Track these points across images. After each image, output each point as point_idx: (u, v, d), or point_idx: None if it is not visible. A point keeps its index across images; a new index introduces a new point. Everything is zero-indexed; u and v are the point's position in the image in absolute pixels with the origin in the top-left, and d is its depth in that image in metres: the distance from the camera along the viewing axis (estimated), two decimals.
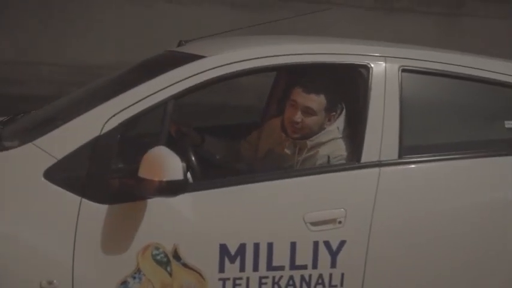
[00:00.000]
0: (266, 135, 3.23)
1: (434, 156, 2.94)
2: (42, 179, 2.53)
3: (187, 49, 3.16)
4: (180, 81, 2.71)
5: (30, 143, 2.58)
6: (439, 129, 3.03)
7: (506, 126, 3.08)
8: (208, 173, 2.95)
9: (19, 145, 2.60)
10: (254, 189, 2.74)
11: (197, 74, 2.73)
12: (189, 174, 2.81)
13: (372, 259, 2.82)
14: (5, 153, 2.59)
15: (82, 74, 7.26)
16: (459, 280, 2.91)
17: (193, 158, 2.92)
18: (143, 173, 2.49)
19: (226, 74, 2.76)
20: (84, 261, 2.55)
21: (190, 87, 2.72)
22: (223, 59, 2.79)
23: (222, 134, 3.51)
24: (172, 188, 2.48)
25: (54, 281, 2.51)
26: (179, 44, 3.36)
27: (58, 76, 7.75)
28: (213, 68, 2.75)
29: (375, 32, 7.06)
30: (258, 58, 2.81)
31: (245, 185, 2.74)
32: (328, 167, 2.89)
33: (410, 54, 3.03)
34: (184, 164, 2.49)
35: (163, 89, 2.69)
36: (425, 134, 3.01)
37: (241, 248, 2.69)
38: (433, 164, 2.93)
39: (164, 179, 2.46)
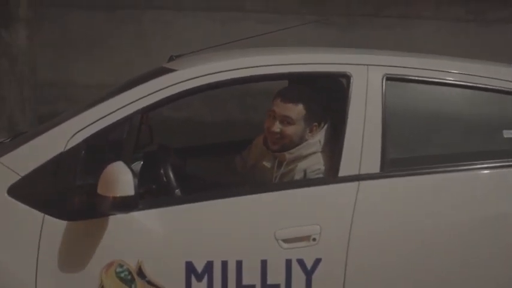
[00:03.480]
0: (253, 149, 3.14)
1: (420, 169, 2.76)
2: (6, 195, 2.55)
3: (174, 64, 3.13)
4: (146, 96, 2.67)
5: None
6: (427, 141, 2.85)
7: (505, 135, 2.85)
8: (190, 188, 2.90)
9: None
10: (222, 205, 2.65)
11: (163, 88, 2.69)
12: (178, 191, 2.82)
13: (351, 279, 2.67)
14: None
15: None
16: None
17: (170, 174, 2.87)
18: (100, 189, 2.47)
19: (194, 87, 2.71)
20: (48, 278, 2.53)
21: (156, 101, 2.68)
22: (190, 73, 2.74)
23: (216, 152, 3.46)
24: (124, 204, 2.43)
25: None
26: (170, 59, 3.33)
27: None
28: (180, 82, 2.70)
29: (468, 44, 6.75)
30: (226, 71, 2.74)
31: (212, 201, 2.66)
32: (302, 182, 2.77)
33: (394, 62, 2.87)
34: (136, 180, 2.45)
35: (128, 104, 2.66)
36: (412, 146, 2.83)
37: (209, 266, 2.60)
38: (418, 177, 2.74)
39: (117, 195, 2.42)
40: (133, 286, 2.58)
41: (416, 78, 2.83)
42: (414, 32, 7.14)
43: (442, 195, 2.72)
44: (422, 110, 2.87)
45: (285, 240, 2.63)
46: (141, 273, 2.58)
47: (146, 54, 6.42)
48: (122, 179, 2.43)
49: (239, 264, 2.62)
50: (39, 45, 5.77)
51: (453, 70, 2.87)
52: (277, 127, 2.87)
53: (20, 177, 2.56)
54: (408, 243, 2.68)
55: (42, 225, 2.53)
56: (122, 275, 2.57)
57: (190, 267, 2.59)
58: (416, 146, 2.83)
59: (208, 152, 3.67)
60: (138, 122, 3.37)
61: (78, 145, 2.59)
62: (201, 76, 2.70)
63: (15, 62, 5.40)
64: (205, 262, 2.60)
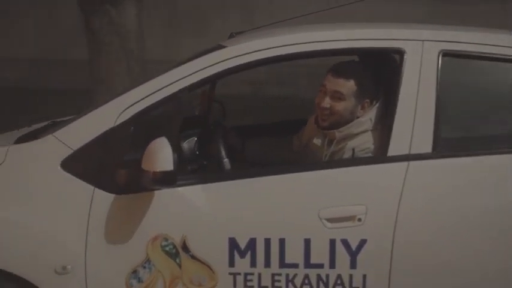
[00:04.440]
0: (307, 127, 3.10)
1: (475, 150, 2.62)
2: (59, 168, 2.65)
3: (229, 42, 3.13)
4: (192, 74, 2.69)
5: (50, 135, 2.72)
6: (484, 120, 2.70)
7: None
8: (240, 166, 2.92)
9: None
10: (266, 182, 2.64)
11: (208, 66, 2.69)
12: (227, 161, 2.85)
13: (398, 262, 2.59)
14: (30, 143, 2.76)
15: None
16: (490, 285, 2.57)
17: (221, 152, 2.89)
18: (143, 164, 2.52)
19: (242, 64, 2.70)
20: (97, 248, 2.63)
21: (202, 79, 2.69)
22: (239, 50, 2.73)
23: (279, 131, 3.44)
24: (163, 179, 2.47)
25: (68, 267, 2.62)
26: (230, 36, 3.33)
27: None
28: (228, 59, 2.70)
29: None
30: (276, 47, 2.71)
31: (256, 178, 2.65)
32: (348, 161, 2.71)
33: (452, 37, 2.72)
34: (176, 156, 2.48)
35: (175, 82, 2.69)
36: (468, 126, 2.70)
37: (251, 243, 2.61)
38: (472, 158, 2.61)
39: (157, 170, 2.47)
40: (178, 260, 2.63)
41: (475, 54, 2.68)
42: None
43: (497, 178, 2.58)
44: (480, 88, 2.72)
45: (329, 220, 2.59)
46: (185, 247, 2.62)
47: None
48: (161, 154, 2.46)
49: (282, 242, 2.60)
50: (147, 23, 5.88)
51: None
52: (327, 102, 2.81)
53: (72, 151, 2.66)
54: (459, 228, 2.56)
55: (92, 198, 2.62)
56: (167, 248, 2.63)
57: (233, 244, 2.61)
58: (472, 125, 2.70)
59: (271, 130, 3.65)
60: (207, 99, 3.42)
61: (127, 120, 2.66)
62: (246, 54, 2.69)
63: (124, 40, 5.57)
64: (248, 239, 2.60)
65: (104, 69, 5.60)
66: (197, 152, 3.07)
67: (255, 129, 3.68)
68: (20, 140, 2.92)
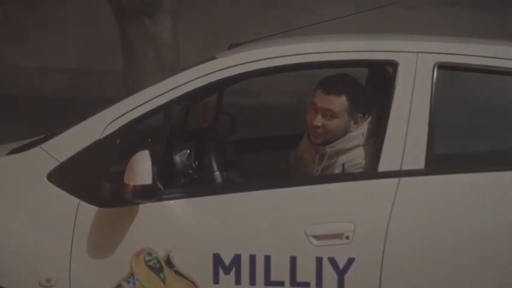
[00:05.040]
0: (302, 142, 3.02)
1: (469, 167, 2.52)
2: (45, 180, 2.64)
3: (224, 53, 3.08)
4: (183, 84, 2.65)
5: (38, 146, 2.71)
6: (479, 136, 2.59)
7: None
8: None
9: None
10: (251, 197, 2.58)
11: (197, 78, 2.65)
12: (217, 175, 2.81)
13: (388, 280, 2.49)
14: (18, 154, 2.76)
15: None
16: None
17: (213, 166, 2.85)
18: (125, 177, 2.49)
19: (231, 76, 2.65)
20: (81, 262, 2.59)
21: (190, 91, 2.65)
22: (228, 62, 2.68)
23: (274, 146, 3.38)
24: (143, 193, 2.43)
25: (53, 279, 2.59)
26: (229, 47, 3.28)
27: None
28: (217, 71, 2.65)
29: None
30: (263, 59, 2.65)
31: (243, 193, 2.60)
32: (337, 176, 2.63)
33: (448, 49, 2.62)
34: (155, 169, 2.44)
35: (165, 92, 2.65)
36: (463, 142, 2.60)
37: (236, 259, 2.54)
38: (465, 176, 2.51)
39: (137, 183, 2.43)
40: (162, 275, 2.58)
41: (472, 66, 2.58)
42: None
43: (491, 196, 2.47)
44: (477, 102, 2.62)
45: (316, 237, 2.51)
46: (169, 262, 2.57)
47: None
48: (140, 167, 2.43)
49: (267, 259, 2.53)
50: (183, 34, 5.87)
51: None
52: (319, 121, 2.72)
53: (58, 162, 2.64)
54: (450, 247, 2.46)
55: (77, 211, 2.60)
56: (151, 263, 2.58)
57: (217, 260, 2.55)
58: (467, 141, 2.60)
59: (270, 143, 3.58)
60: (212, 111, 3.38)
61: (114, 133, 2.63)
62: (233, 66, 2.64)
63: (160, 53, 5.56)
64: (233, 255, 2.54)
65: (139, 80, 5.60)
66: (193, 165, 3.03)
67: (254, 142, 3.63)
68: (14, 151, 2.92)
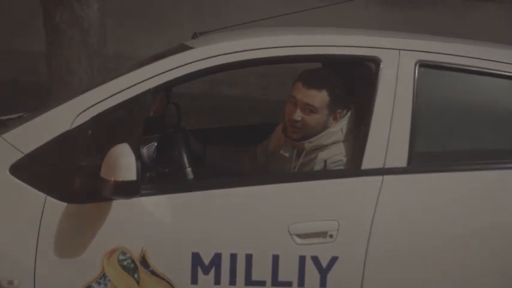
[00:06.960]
0: (274, 135, 2.95)
1: (451, 165, 2.54)
2: (7, 173, 2.43)
3: (197, 42, 2.96)
4: (158, 74, 2.51)
5: None
6: (461, 135, 2.61)
7: None
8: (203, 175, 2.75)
9: None
10: (233, 194, 2.48)
11: (177, 67, 2.52)
12: (189, 171, 2.70)
13: (371, 279, 2.47)
14: None
15: None
16: None
17: (184, 159, 2.72)
18: (102, 171, 2.33)
19: (209, 67, 2.53)
20: (47, 262, 2.41)
21: (169, 80, 2.51)
22: (207, 52, 2.56)
23: (241, 136, 3.29)
24: (125, 189, 2.29)
25: (15, 281, 2.40)
26: (193, 37, 3.16)
27: None
28: (195, 61, 2.53)
29: None
30: (246, 51, 2.56)
31: (223, 190, 2.49)
32: (320, 173, 2.58)
33: (430, 47, 2.62)
34: (139, 164, 2.30)
35: (140, 82, 2.50)
36: (444, 140, 2.61)
37: (216, 258, 2.44)
38: (447, 174, 2.52)
39: (119, 179, 2.28)
40: (136, 276, 2.44)
41: (453, 65, 2.59)
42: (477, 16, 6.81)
43: (473, 195, 2.49)
44: (458, 100, 2.64)
45: (299, 236, 2.45)
46: (144, 262, 2.43)
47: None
48: (124, 162, 2.28)
49: (249, 258, 2.45)
50: (108, 17, 5.71)
51: (494, 58, 2.61)
52: (298, 115, 2.65)
53: (23, 154, 2.44)
54: (434, 246, 2.46)
55: (43, 207, 2.41)
56: (125, 263, 2.44)
57: (196, 259, 2.44)
58: (449, 140, 2.61)
59: (231, 134, 3.49)
60: (164, 101, 3.23)
61: (85, 123, 2.45)
62: (217, 56, 2.53)
63: (86, 35, 5.38)
64: (213, 254, 2.44)
65: (64, 63, 5.38)
66: (157, 158, 2.88)
67: (214, 132, 3.52)
68: None
